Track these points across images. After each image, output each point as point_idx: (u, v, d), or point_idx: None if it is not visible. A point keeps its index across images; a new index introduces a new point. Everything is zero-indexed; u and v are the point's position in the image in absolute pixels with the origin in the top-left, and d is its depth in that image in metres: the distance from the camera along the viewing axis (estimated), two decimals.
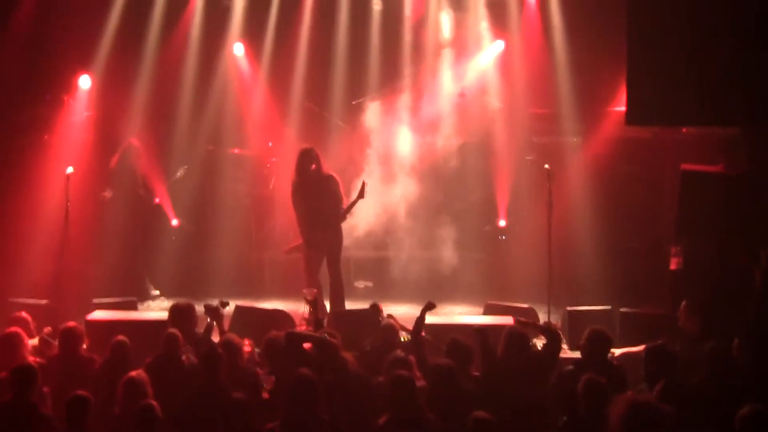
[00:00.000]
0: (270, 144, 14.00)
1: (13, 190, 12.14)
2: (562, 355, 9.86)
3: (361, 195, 11.23)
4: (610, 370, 7.71)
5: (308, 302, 8.97)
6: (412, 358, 7.95)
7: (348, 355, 8.23)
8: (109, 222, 12.50)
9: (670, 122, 11.52)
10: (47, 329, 9.48)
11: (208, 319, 9.14)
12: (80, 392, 6.87)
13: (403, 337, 9.16)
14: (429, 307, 8.67)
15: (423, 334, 8.79)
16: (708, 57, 9.88)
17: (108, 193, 12.60)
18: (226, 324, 9.66)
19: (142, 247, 12.73)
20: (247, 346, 9.12)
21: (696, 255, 10.52)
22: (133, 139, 12.81)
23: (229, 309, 10.04)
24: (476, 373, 7.94)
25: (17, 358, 7.89)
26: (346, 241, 11.75)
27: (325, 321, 10.77)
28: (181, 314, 8.97)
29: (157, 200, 12.98)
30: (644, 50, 10.09)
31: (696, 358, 7.88)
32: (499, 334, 8.23)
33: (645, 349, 7.88)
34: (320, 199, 11.22)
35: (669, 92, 10.88)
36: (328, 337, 7.98)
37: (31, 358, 8.10)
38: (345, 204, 11.32)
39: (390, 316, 9.26)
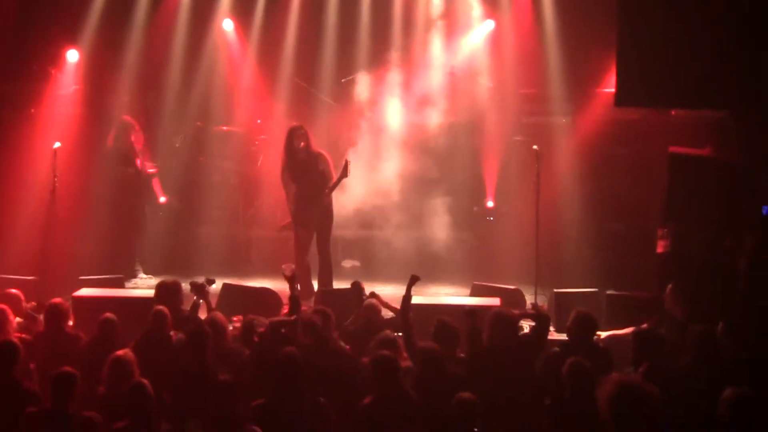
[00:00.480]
0: (258, 121, 13.96)
1: None
2: (549, 337, 9.94)
3: (344, 173, 11.20)
4: (595, 353, 7.74)
5: (285, 278, 8.97)
6: (399, 338, 7.96)
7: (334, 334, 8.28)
8: (97, 198, 12.42)
9: (658, 104, 11.52)
10: (31, 304, 9.46)
11: (195, 297, 9.13)
12: (66, 368, 6.84)
13: (387, 315, 9.15)
14: (414, 280, 8.64)
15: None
16: (698, 40, 9.87)
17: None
18: (213, 302, 9.65)
19: (130, 224, 12.64)
20: (236, 322, 9.14)
21: (683, 238, 10.55)
22: (126, 116, 12.68)
23: (216, 287, 10.03)
24: (462, 355, 7.95)
25: (2, 335, 7.86)
26: (335, 220, 11.74)
27: (312, 299, 10.85)
28: (167, 292, 8.95)
29: (152, 170, 12.86)
30: (634, 31, 10.07)
31: (681, 341, 7.92)
32: (486, 314, 8.23)
33: (633, 332, 7.91)
34: (309, 178, 11.21)
35: (658, 74, 10.87)
36: (312, 315, 8.03)
37: (16, 335, 8.07)
38: (332, 181, 11.30)
39: (373, 293, 9.23)
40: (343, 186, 11.57)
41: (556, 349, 8.07)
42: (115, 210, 12.37)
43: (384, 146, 12.83)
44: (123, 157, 12.31)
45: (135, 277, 12.31)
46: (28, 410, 6.71)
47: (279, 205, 13.12)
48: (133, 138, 12.33)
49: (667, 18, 10.60)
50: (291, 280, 8.76)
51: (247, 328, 8.06)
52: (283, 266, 9.69)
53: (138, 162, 12.40)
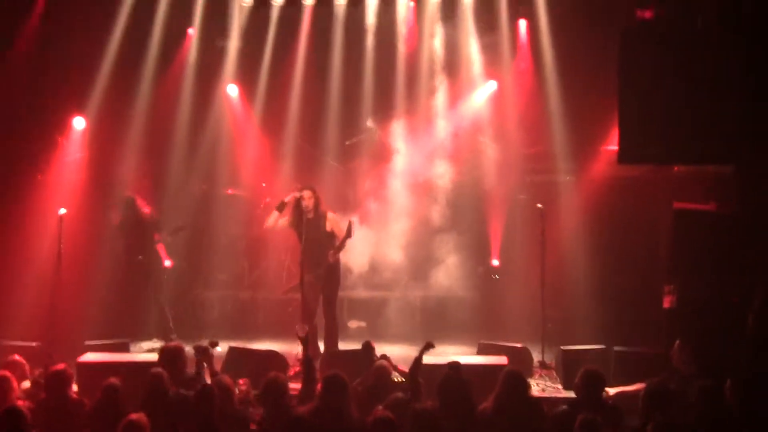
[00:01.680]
0: (263, 184, 14.02)
1: (5, 230, 12.11)
2: (557, 395, 9.88)
3: (348, 234, 11.21)
4: (604, 410, 7.67)
5: (299, 339, 8.92)
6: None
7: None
8: (102, 263, 12.46)
9: (661, 161, 11.56)
10: (37, 371, 9.41)
11: (197, 360, 9.08)
12: None
13: (396, 377, 9.10)
14: (428, 347, 8.62)
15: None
16: (698, 96, 9.94)
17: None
18: (219, 365, 9.60)
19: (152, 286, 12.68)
20: (242, 385, 9.07)
21: (689, 293, 10.51)
22: (129, 191, 12.69)
23: (222, 350, 9.99)
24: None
25: (5, 402, 7.81)
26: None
27: (319, 361, 10.78)
28: (170, 355, 8.90)
29: (167, 263, 12.98)
30: (635, 90, 10.15)
31: (690, 397, 7.84)
32: (495, 373, 8.18)
33: (645, 386, 7.85)
34: (315, 238, 11.22)
35: (660, 131, 10.94)
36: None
37: (20, 402, 8.01)
38: (339, 238, 11.27)
39: (384, 356, 9.20)
40: (348, 246, 11.59)
41: (564, 407, 7.99)
42: (122, 274, 12.40)
43: (389, 208, 12.87)
44: (132, 231, 12.33)
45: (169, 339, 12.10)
46: None
47: (284, 268, 13.17)
48: (141, 207, 12.37)
49: (666, 76, 10.70)
50: (304, 342, 8.68)
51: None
52: (296, 326, 9.64)
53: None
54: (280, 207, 11.22)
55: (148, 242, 12.57)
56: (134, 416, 7.15)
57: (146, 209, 12.48)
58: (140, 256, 12.45)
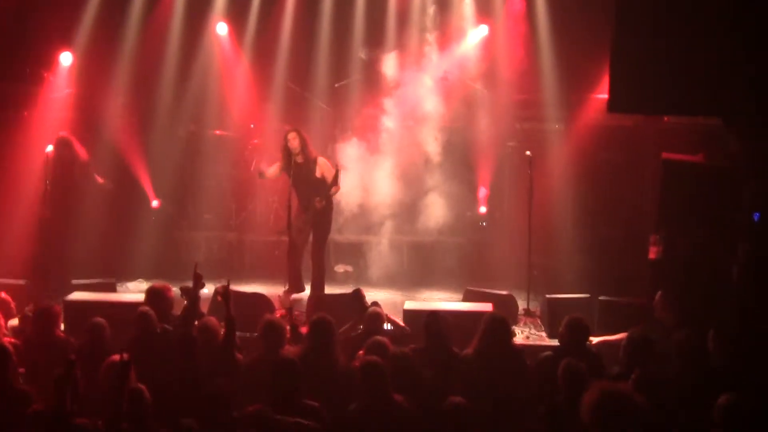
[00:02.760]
0: (252, 126, 13.94)
1: None
2: (542, 342, 9.98)
3: (335, 182, 11.24)
4: (587, 358, 7.74)
5: (286, 310, 8.95)
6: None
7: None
8: (87, 203, 12.40)
9: (652, 111, 11.52)
10: (29, 307, 9.42)
11: (185, 302, 9.10)
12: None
13: (386, 325, 9.13)
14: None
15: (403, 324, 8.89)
16: (692, 47, 9.88)
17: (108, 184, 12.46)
18: (205, 307, 9.62)
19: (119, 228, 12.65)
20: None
21: (675, 245, 10.56)
22: (63, 132, 12.36)
23: (207, 291, 9.99)
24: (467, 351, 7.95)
25: None
26: None
27: (305, 304, 10.85)
28: (157, 296, 8.91)
29: (155, 203, 12.96)
30: (628, 38, 10.07)
31: (671, 348, 7.92)
32: (480, 320, 8.24)
33: (626, 336, 7.92)
34: (306, 183, 11.23)
35: (651, 81, 10.87)
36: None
37: (7, 339, 8.04)
38: (334, 188, 11.37)
39: (375, 303, 9.22)
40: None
41: (549, 353, 8.07)
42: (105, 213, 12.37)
43: (377, 151, 12.83)
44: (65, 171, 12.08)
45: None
46: (30, 410, 6.64)
47: (272, 210, 13.14)
48: (75, 151, 12.09)
49: (661, 25, 10.62)
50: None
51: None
52: (280, 295, 9.55)
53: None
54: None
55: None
56: (116, 357, 7.15)
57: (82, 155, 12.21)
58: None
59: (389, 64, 13.23)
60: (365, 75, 13.66)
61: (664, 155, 11.06)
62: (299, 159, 11.25)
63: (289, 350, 7.70)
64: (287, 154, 11.27)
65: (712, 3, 10.04)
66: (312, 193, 11.24)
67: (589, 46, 12.05)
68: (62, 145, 11.88)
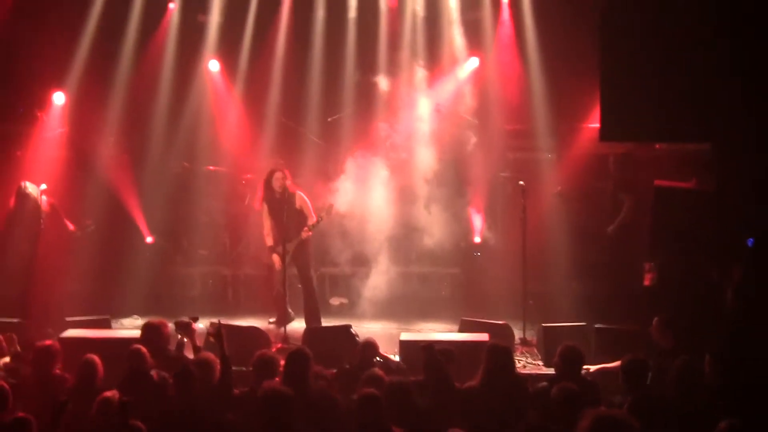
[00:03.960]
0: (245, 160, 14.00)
1: None
2: (538, 371, 9.94)
3: (327, 215, 11.49)
4: (583, 386, 7.72)
5: (211, 335, 8.93)
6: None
7: (327, 372, 8.25)
8: (81, 241, 12.41)
9: (643, 138, 11.58)
10: (18, 347, 9.37)
11: (179, 336, 9.08)
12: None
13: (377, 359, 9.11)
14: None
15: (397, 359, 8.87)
16: (680, 74, 9.95)
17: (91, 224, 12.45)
18: (200, 341, 9.59)
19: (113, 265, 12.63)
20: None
21: (670, 271, 10.59)
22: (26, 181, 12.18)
23: (202, 326, 9.96)
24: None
25: None
26: (322, 258, 11.78)
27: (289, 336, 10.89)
28: (153, 331, 8.90)
29: (149, 240, 12.98)
30: (617, 67, 10.15)
31: (668, 374, 7.91)
32: (476, 350, 8.23)
33: (621, 362, 7.92)
34: (285, 215, 11.35)
35: (641, 109, 10.94)
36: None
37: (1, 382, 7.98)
38: (310, 220, 11.51)
39: (369, 338, 9.18)
40: (331, 224, 11.69)
41: (544, 383, 8.05)
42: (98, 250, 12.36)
43: (371, 183, 12.85)
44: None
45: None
46: None
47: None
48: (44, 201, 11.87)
49: (648, 54, 10.70)
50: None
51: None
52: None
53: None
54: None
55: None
56: (108, 394, 7.12)
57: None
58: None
59: (382, 94, 13.28)
60: (358, 108, 13.69)
61: (657, 182, 11.12)
62: (277, 196, 11.48)
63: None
64: (269, 187, 11.45)
65: (695, 30, 10.15)
66: (290, 226, 11.40)
67: (579, 75, 12.11)
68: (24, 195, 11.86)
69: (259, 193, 11.77)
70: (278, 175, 11.48)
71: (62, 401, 6.48)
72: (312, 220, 11.51)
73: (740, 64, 9.53)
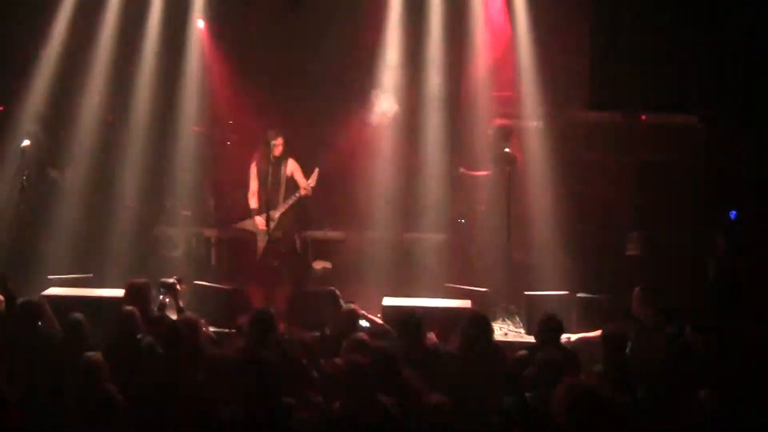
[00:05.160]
0: (231, 122, 13.88)
1: None
2: (520, 339, 10.01)
3: (312, 181, 11.66)
4: (562, 354, 7.78)
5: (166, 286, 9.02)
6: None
7: (309, 336, 8.28)
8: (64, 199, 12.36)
9: (630, 108, 11.61)
10: None
11: (161, 297, 9.07)
12: None
13: (364, 323, 9.13)
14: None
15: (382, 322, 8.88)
16: (669, 46, 9.98)
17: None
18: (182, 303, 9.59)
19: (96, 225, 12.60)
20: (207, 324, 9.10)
21: (652, 241, 10.65)
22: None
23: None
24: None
25: None
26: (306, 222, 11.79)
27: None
28: (137, 292, 8.89)
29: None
30: (607, 36, 10.17)
31: (648, 345, 7.98)
32: (458, 316, 8.28)
33: (602, 332, 7.98)
34: (270, 181, 11.48)
35: (630, 79, 10.95)
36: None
37: None
38: (303, 185, 11.61)
39: (351, 303, 9.21)
40: (316, 187, 11.68)
41: (524, 351, 8.11)
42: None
43: (356, 149, 12.81)
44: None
45: None
46: None
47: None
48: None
49: (638, 24, 10.70)
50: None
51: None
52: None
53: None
54: None
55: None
56: (90, 354, 7.10)
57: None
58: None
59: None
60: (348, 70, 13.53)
61: (641, 154, 11.14)
62: (273, 159, 11.54)
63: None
64: (265, 151, 11.51)
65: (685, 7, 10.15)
66: (278, 192, 11.59)
67: (569, 44, 12.07)
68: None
69: (255, 155, 11.81)
70: (278, 141, 11.58)
71: None
72: (304, 190, 11.66)
73: (729, 41, 9.56)
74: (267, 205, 11.50)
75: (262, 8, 13.57)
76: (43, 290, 10.16)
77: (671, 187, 10.70)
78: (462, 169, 12.57)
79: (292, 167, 11.77)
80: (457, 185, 12.67)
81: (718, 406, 6.28)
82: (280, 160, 11.68)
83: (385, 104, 12.80)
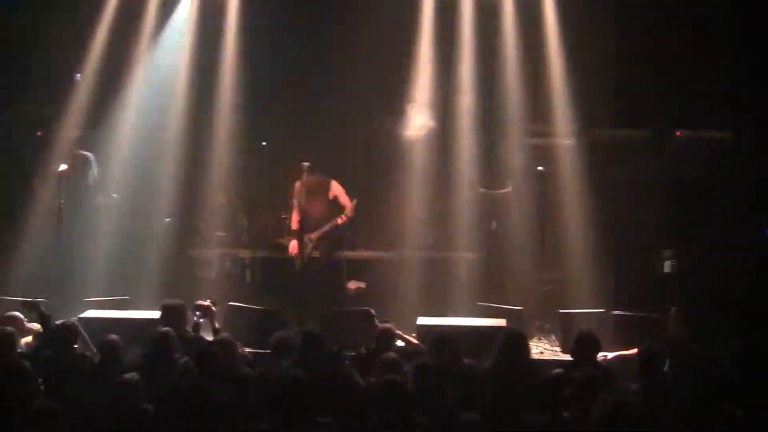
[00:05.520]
0: (264, 143, 13.97)
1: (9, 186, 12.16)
2: (555, 357, 9.97)
3: (351, 213, 11.81)
4: (599, 372, 7.73)
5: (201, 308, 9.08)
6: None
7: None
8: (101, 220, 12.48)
9: (663, 125, 11.55)
10: (34, 325, 9.45)
11: (195, 318, 9.14)
12: None
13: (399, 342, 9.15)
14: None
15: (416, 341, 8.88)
16: (706, 61, 9.94)
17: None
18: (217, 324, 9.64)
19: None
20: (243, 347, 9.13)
21: (687, 259, 10.58)
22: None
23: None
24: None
25: (8, 358, 7.87)
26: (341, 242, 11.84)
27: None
28: (173, 313, 8.96)
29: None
30: (637, 54, 10.16)
31: (684, 362, 7.91)
32: (492, 335, 8.27)
33: (639, 350, 7.94)
34: (315, 203, 11.66)
35: (663, 95, 10.90)
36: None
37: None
38: (346, 206, 11.83)
39: (387, 322, 9.22)
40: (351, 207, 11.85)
41: (559, 369, 8.07)
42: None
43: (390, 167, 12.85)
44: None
45: None
46: None
47: (285, 226, 13.12)
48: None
49: (671, 41, 10.66)
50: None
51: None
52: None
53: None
54: None
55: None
56: (127, 376, 7.16)
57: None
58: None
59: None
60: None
61: (676, 170, 11.08)
62: (313, 182, 11.75)
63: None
64: (307, 174, 11.68)
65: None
66: (317, 214, 11.68)
67: (601, 61, 12.06)
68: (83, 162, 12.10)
69: (298, 175, 11.83)
70: (308, 168, 11.63)
71: None
72: (342, 218, 11.84)
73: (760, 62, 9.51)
74: (306, 222, 11.54)
75: (296, 24, 13.61)
76: (81, 312, 10.25)
77: (705, 205, 10.63)
78: (483, 189, 12.55)
79: (335, 190, 11.90)
80: (480, 204, 12.64)
81: (755, 425, 6.22)
82: (323, 182, 11.78)
83: (419, 119, 12.82)
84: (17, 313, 9.32)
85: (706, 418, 6.89)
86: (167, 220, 13.12)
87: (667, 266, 11.22)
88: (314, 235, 11.66)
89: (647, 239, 12.07)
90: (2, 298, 10.66)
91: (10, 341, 8.28)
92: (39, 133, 12.86)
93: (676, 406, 7.13)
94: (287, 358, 7.89)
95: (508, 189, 12.41)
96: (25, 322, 9.31)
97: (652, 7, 11.52)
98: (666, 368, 8.02)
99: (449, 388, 7.47)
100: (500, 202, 12.54)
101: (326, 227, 11.75)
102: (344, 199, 11.93)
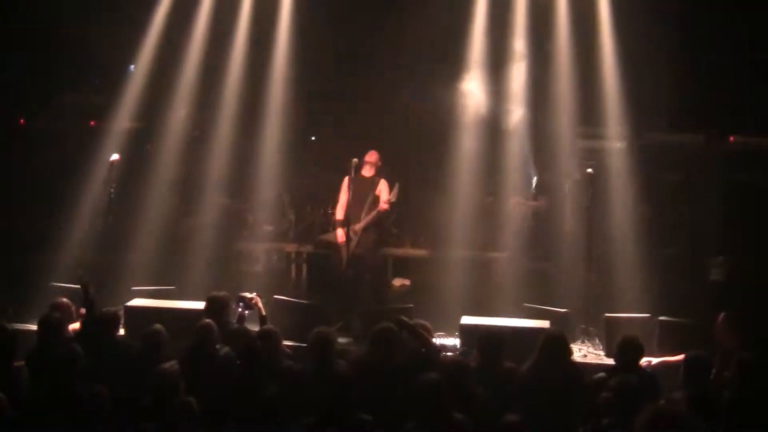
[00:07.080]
0: (313, 138, 14.03)
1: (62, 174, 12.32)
2: (598, 361, 9.86)
3: (394, 197, 11.63)
4: (642, 378, 7.64)
5: (244, 300, 9.12)
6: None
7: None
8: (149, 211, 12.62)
9: (716, 129, 11.39)
10: (83, 311, 9.56)
11: (239, 310, 9.19)
12: None
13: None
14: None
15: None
16: (754, 67, 9.79)
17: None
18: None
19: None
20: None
21: (738, 267, 10.41)
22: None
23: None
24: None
25: (58, 343, 7.99)
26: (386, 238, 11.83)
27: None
28: (218, 304, 9.03)
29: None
30: (691, 58, 10.01)
31: (731, 371, 7.77)
32: (537, 337, 8.22)
33: (684, 357, 7.82)
34: (361, 199, 11.58)
35: (717, 100, 10.74)
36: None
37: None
38: (385, 201, 11.63)
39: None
40: (395, 205, 11.76)
41: (602, 374, 7.99)
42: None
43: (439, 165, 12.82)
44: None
45: None
46: None
47: (331, 222, 13.15)
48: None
49: (727, 47, 10.50)
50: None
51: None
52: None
53: None
54: None
55: None
56: (166, 365, 7.19)
57: None
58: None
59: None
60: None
61: (730, 177, 10.93)
62: (365, 177, 11.68)
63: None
64: (359, 170, 11.69)
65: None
66: (363, 207, 11.61)
67: (653, 65, 11.92)
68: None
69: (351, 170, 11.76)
70: (373, 159, 11.77)
71: None
72: (384, 205, 11.68)
73: None
74: (350, 218, 11.57)
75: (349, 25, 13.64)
76: (128, 301, 10.36)
77: (758, 211, 10.45)
78: (515, 199, 12.49)
79: (381, 187, 11.85)
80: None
81: None
82: (373, 179, 11.80)
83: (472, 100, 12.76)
84: (66, 300, 9.43)
85: (752, 429, 6.77)
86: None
87: (717, 273, 11.03)
88: (358, 227, 11.65)
89: (698, 245, 11.89)
90: (53, 284, 10.81)
91: (58, 327, 8.39)
92: (92, 123, 12.94)
93: (720, 416, 7.01)
94: (326, 354, 7.89)
95: (543, 202, 12.32)
96: (74, 310, 9.41)
97: (709, 12, 11.36)
98: (712, 377, 7.91)
99: (490, 390, 7.44)
100: (534, 213, 12.46)
101: (369, 217, 11.72)
102: (384, 195, 11.80)
